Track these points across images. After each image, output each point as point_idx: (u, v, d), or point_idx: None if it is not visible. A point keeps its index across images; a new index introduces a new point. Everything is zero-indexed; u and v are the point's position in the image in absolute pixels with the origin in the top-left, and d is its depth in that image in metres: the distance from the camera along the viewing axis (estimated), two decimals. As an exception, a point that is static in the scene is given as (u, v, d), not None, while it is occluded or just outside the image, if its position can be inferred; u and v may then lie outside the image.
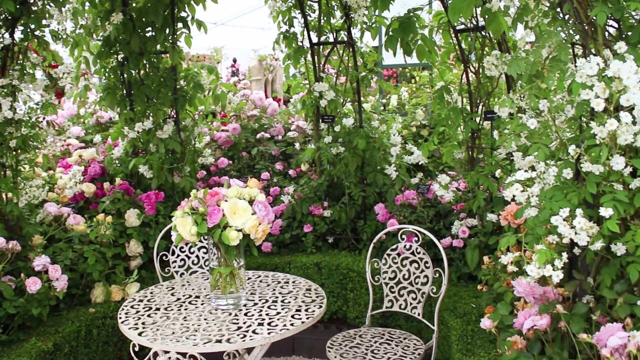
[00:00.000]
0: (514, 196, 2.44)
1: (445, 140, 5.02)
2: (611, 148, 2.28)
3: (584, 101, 2.30)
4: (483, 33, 4.26)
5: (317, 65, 5.45)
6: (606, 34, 2.66)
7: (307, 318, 3.00)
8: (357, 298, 4.75)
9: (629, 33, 2.56)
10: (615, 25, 2.66)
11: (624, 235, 2.30)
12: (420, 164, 5.25)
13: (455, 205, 4.66)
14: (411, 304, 3.87)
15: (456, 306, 3.85)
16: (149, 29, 5.23)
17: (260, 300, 3.28)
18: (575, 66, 2.39)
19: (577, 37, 2.78)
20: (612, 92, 2.24)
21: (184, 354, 2.78)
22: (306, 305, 3.17)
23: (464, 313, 3.73)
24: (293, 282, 3.57)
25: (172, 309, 3.19)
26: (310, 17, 5.42)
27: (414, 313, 3.84)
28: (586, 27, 2.60)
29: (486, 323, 2.67)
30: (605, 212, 2.19)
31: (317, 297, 3.30)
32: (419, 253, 3.87)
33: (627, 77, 2.18)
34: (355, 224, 5.20)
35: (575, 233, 2.22)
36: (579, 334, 2.26)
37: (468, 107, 4.42)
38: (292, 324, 2.93)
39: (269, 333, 2.83)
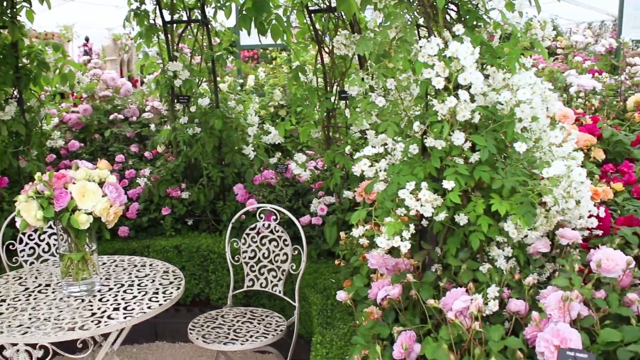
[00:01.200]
0: (362, 171, 2.53)
1: (302, 119, 5.09)
2: (452, 124, 2.41)
3: (427, 80, 2.42)
4: (336, 14, 4.35)
5: (170, 44, 5.31)
6: (447, 17, 2.81)
7: (165, 300, 2.96)
8: (219, 279, 4.73)
9: (467, 16, 2.71)
10: (455, 9, 2.81)
11: (465, 206, 2.46)
12: (278, 143, 5.29)
13: (314, 184, 4.75)
14: (272, 282, 3.91)
15: (316, 282, 3.94)
16: (-16, 2, 4.85)
17: (115, 285, 3.19)
18: (420, 47, 2.50)
19: (422, 19, 2.91)
20: (452, 72, 2.37)
21: (33, 346, 2.65)
22: (164, 288, 3.12)
23: (324, 288, 3.82)
24: (150, 265, 3.49)
25: (19, 300, 3.03)
26: (163, -6, 5.26)
27: (275, 291, 3.89)
28: (428, 10, 2.72)
29: (342, 295, 2.75)
30: (448, 184, 2.33)
31: (175, 279, 3.25)
32: (277, 231, 3.92)
33: (464, 57, 2.32)
34: (215, 205, 5.17)
35: (421, 205, 2.34)
36: (428, 300, 2.39)
37: (324, 87, 4.51)
38: (149, 307, 2.87)
39: (125, 318, 2.76)
